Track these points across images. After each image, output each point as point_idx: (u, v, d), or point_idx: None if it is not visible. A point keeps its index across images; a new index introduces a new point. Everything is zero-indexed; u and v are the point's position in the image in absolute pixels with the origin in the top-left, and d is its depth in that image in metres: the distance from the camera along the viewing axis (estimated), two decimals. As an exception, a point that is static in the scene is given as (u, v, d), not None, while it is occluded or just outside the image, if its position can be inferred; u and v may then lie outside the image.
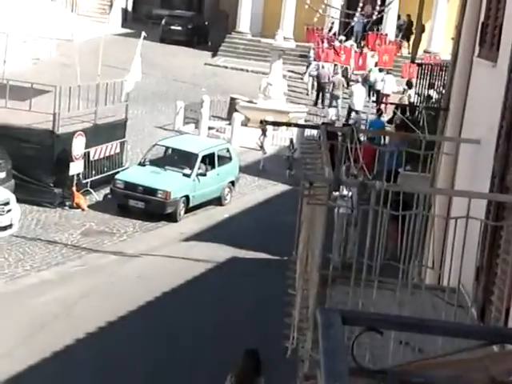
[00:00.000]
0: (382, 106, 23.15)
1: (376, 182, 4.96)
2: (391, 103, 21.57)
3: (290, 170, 17.68)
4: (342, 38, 31.54)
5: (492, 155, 5.60)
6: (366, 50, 31.09)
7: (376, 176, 5.89)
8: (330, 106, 26.71)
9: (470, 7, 6.58)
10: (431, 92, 15.37)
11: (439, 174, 6.93)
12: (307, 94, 29.03)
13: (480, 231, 5.12)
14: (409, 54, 30.97)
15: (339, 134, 6.88)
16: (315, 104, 27.79)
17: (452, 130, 6.79)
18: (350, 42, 31.79)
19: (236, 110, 23.83)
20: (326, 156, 6.88)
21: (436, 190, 6.51)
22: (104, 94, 17.96)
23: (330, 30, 32.58)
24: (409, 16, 32.25)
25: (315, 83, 28.68)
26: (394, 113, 21.93)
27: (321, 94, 27.96)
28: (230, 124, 23.46)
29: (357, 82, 27.02)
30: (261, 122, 7.75)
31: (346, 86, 27.29)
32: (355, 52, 29.84)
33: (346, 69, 29.60)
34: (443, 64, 12.89)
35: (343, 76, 28.13)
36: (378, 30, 32.92)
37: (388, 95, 26.45)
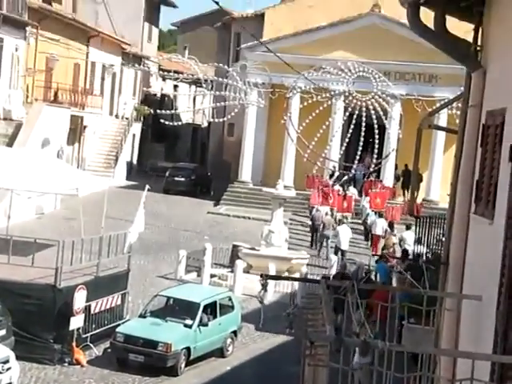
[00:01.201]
0: (380, 250, 23.55)
1: (378, 342, 4.87)
2: (391, 256, 21.66)
3: (290, 329, 17.36)
4: (339, 187, 32.47)
5: (494, 312, 5.53)
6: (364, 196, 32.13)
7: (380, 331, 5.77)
8: (321, 246, 27.67)
9: (464, 165, 6.72)
10: (431, 245, 15.52)
11: (443, 330, 6.83)
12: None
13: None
14: (405, 201, 31.71)
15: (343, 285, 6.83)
16: (311, 246, 28.19)
17: (453, 285, 6.76)
18: (352, 190, 32.79)
19: (238, 257, 23.91)
20: (327, 312, 6.80)
21: (439, 350, 6.40)
22: (107, 247, 18.06)
23: (331, 176, 33.42)
24: (406, 166, 33.12)
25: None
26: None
27: (315, 236, 28.51)
28: (232, 271, 23.45)
29: (342, 223, 27.60)
30: (261, 275, 7.70)
31: (335, 226, 27.86)
32: (338, 195, 30.69)
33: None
34: (440, 216, 13.09)
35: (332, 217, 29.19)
36: (377, 177, 33.80)
37: (379, 236, 26.89)
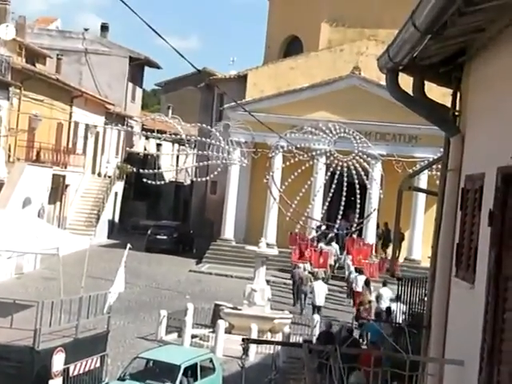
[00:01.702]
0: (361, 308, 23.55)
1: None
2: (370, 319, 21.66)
3: (272, 399, 17.02)
4: (322, 243, 32.77)
5: (476, 378, 5.49)
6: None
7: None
8: (297, 302, 27.75)
9: (444, 228, 6.76)
10: (413, 305, 15.50)
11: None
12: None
13: None
14: (382, 258, 31.90)
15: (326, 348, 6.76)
16: (293, 304, 28.05)
17: (435, 349, 6.72)
18: (335, 246, 33.07)
19: (220, 317, 23.67)
20: (310, 378, 6.71)
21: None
22: (87, 307, 17.84)
23: (317, 230, 33.59)
24: (386, 224, 33.30)
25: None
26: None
27: (297, 293, 28.52)
28: (213, 331, 23.18)
29: (317, 278, 27.65)
30: (242, 340, 7.62)
31: (312, 281, 27.89)
32: (315, 251, 30.87)
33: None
34: (422, 277, 13.10)
35: (310, 273, 29.25)
36: (359, 235, 33.97)
37: (360, 293, 26.89)
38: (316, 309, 25.85)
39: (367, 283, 26.13)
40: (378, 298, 24.67)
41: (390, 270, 9.43)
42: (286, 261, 32.49)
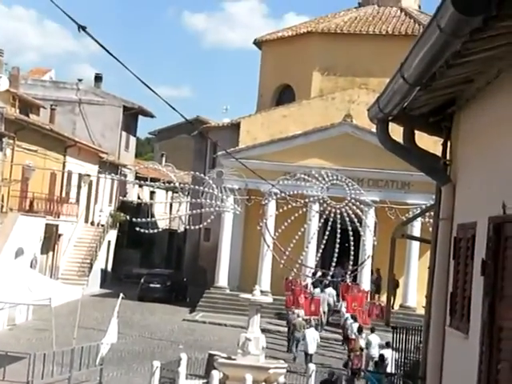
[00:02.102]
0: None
1: None
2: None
3: None
4: (317, 290, 32.65)
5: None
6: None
7: None
8: (291, 347, 27.46)
9: (437, 277, 6.75)
10: (408, 353, 15.36)
11: None
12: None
13: None
14: (374, 304, 31.71)
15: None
16: (287, 350, 27.76)
17: (431, 400, 6.65)
18: (332, 292, 32.98)
19: (214, 368, 23.35)
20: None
21: None
22: (79, 358, 17.66)
23: (314, 274, 33.51)
24: (378, 271, 33.22)
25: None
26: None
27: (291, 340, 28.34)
28: (207, 382, 22.86)
29: (311, 326, 27.46)
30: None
31: (304, 328, 27.71)
32: (306, 298, 30.61)
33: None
34: (417, 327, 13.04)
35: (304, 319, 28.97)
36: (353, 281, 33.82)
37: (353, 339, 26.70)
38: (308, 356, 25.65)
39: (360, 330, 25.99)
40: (368, 344, 24.58)
41: (384, 317, 9.36)
42: (280, 308, 32.26)
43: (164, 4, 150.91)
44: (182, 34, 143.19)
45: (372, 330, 25.40)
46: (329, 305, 33.03)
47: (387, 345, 21.27)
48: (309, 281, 33.72)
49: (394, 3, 42.45)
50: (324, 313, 32.45)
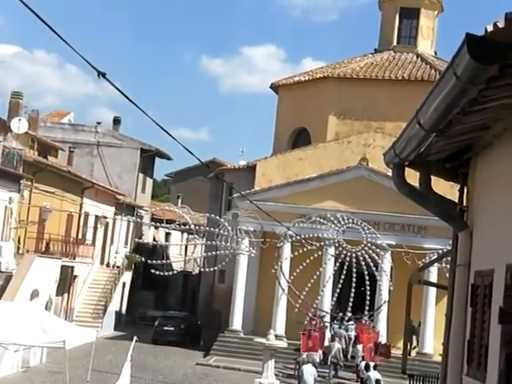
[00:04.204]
0: None
1: None
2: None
3: None
4: (336, 326, 32.42)
5: None
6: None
7: None
8: None
9: (454, 324, 6.67)
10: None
11: None
12: None
13: None
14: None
15: None
16: None
17: None
18: (349, 326, 32.84)
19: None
20: None
21: None
22: (92, 402, 17.51)
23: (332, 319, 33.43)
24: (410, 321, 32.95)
25: None
26: None
27: None
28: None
29: (306, 362, 27.31)
30: None
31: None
32: (302, 334, 30.43)
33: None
34: (433, 375, 12.85)
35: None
36: (371, 316, 33.33)
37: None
38: None
39: (367, 368, 25.87)
40: (368, 380, 24.52)
41: (402, 368, 9.24)
42: (295, 353, 31.90)
43: (183, 49, 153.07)
44: (201, 78, 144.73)
45: (374, 367, 25.43)
46: (346, 341, 32.87)
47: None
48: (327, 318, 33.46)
49: (410, 49, 42.79)
50: (341, 350, 32.13)
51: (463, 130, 5.95)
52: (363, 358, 29.18)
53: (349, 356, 32.91)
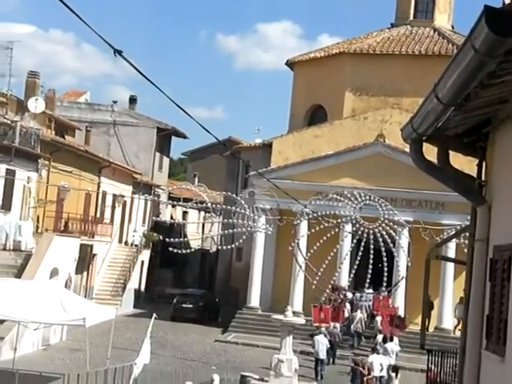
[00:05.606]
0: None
1: None
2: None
3: None
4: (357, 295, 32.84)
5: None
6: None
7: None
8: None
9: (473, 299, 6.66)
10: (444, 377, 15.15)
11: None
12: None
13: None
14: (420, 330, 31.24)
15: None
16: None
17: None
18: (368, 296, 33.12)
19: (247, 390, 23.29)
20: None
21: None
22: (112, 379, 17.70)
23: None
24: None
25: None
26: None
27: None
28: (240, 404, 22.80)
29: (320, 333, 27.90)
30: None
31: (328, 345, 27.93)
32: (314, 307, 31.09)
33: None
34: (452, 350, 12.88)
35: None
36: (389, 292, 33.32)
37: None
38: (319, 362, 26.31)
39: (384, 340, 26.22)
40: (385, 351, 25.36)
41: (421, 343, 9.22)
42: (312, 329, 32.05)
43: (197, 27, 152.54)
44: (216, 56, 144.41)
45: (391, 339, 26.32)
46: (366, 311, 33.20)
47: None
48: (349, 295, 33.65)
49: (427, 23, 42.38)
50: (363, 320, 32.48)
51: (481, 104, 5.91)
52: (380, 332, 29.36)
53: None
